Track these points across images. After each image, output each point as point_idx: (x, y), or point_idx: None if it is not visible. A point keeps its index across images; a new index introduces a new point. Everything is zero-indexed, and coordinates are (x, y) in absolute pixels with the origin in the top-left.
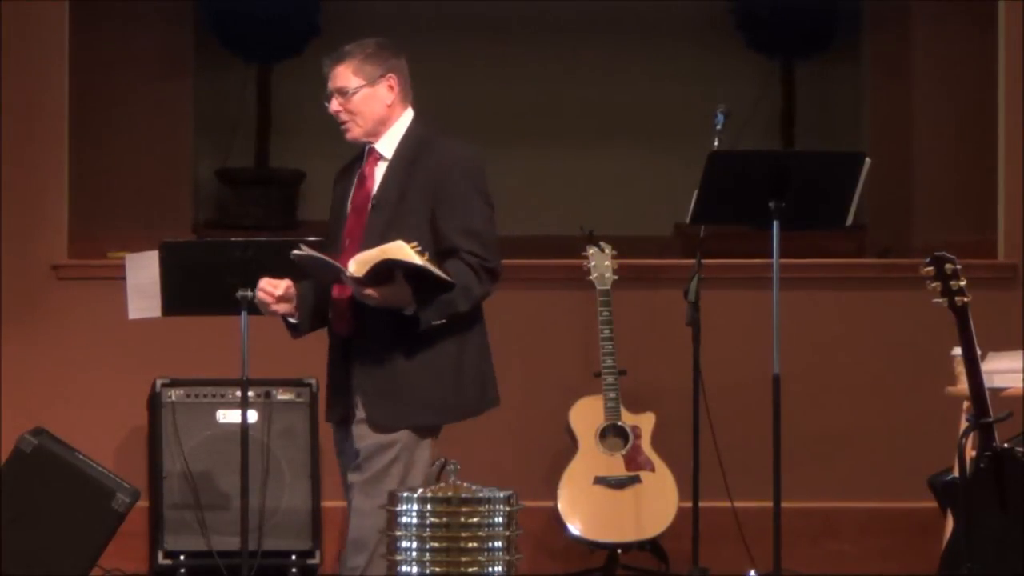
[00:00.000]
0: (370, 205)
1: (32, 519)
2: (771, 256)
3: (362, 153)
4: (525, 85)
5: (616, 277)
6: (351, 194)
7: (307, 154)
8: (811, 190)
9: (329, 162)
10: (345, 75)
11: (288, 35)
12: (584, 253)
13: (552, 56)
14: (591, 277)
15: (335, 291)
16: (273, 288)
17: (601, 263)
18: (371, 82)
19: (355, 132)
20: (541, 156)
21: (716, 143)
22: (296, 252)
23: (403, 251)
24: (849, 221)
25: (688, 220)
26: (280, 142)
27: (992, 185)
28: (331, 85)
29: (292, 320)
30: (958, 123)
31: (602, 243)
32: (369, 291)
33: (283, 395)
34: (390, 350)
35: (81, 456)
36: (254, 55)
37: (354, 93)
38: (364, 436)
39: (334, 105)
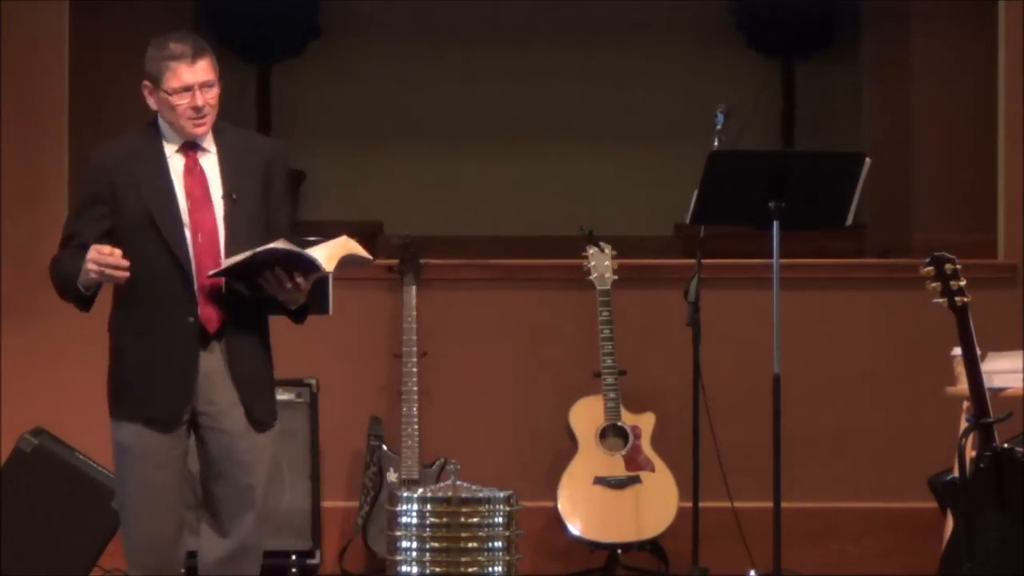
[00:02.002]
0: (229, 198)
1: (32, 519)
2: (771, 256)
3: (141, 144)
4: (525, 85)
5: (616, 277)
6: (177, 187)
7: (307, 154)
8: (811, 190)
9: (329, 162)
10: (210, 69)
11: (288, 35)
12: (584, 253)
13: (552, 56)
14: (591, 277)
15: (207, 283)
16: (119, 258)
17: (601, 263)
18: (218, 79)
19: (208, 127)
20: (541, 156)
21: (716, 143)
22: (278, 246)
23: (357, 246)
24: (849, 221)
25: (688, 220)
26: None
27: (992, 185)
28: (193, 78)
29: (88, 294)
30: (958, 123)
31: (602, 243)
32: (306, 286)
33: (283, 395)
34: (257, 345)
35: (81, 456)
36: (254, 55)
37: (216, 88)
38: (242, 436)
39: (204, 97)
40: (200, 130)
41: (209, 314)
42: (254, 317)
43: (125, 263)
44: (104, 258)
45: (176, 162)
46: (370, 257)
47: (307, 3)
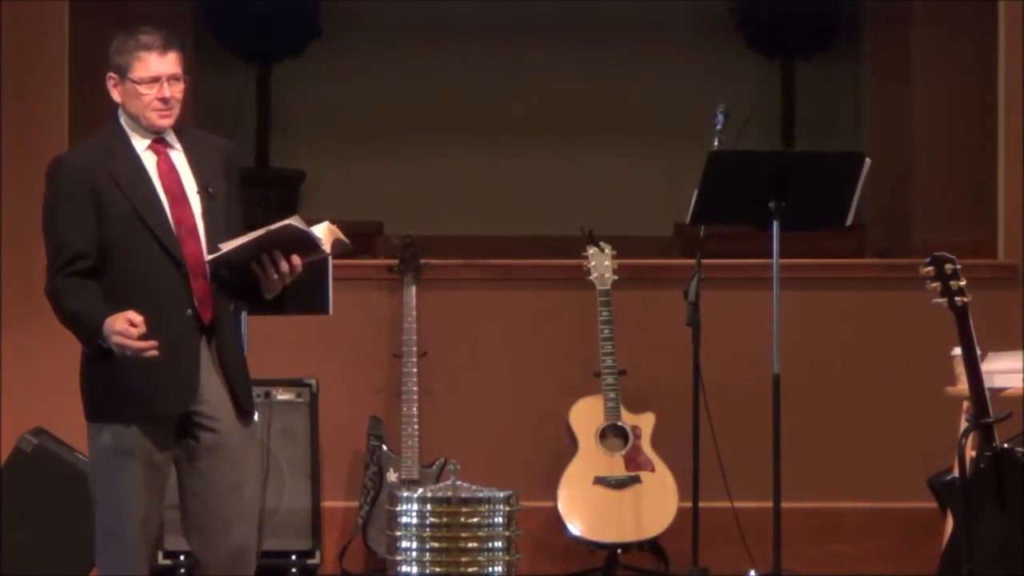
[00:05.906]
0: (205, 193)
1: (32, 519)
2: (771, 256)
3: (110, 143)
4: (525, 85)
5: (616, 277)
6: (155, 183)
7: (307, 154)
8: (811, 190)
9: (329, 162)
10: (179, 62)
11: (288, 35)
12: (584, 253)
13: (552, 56)
14: (591, 277)
15: (197, 276)
16: (145, 340)
17: (601, 263)
18: (185, 75)
19: (172, 120)
20: (541, 156)
21: (716, 143)
22: (292, 223)
23: (339, 231)
24: (849, 221)
25: (688, 220)
26: (280, 142)
27: (992, 185)
28: (162, 69)
29: (106, 347)
30: (958, 123)
31: (602, 243)
32: (299, 270)
33: (283, 395)
34: (236, 336)
35: (81, 456)
36: (254, 55)
37: (182, 83)
38: (233, 434)
39: (172, 90)
40: (165, 122)
41: (202, 306)
42: (230, 308)
43: (154, 344)
44: (132, 341)
45: (148, 158)
46: (350, 244)
47: (307, 3)
